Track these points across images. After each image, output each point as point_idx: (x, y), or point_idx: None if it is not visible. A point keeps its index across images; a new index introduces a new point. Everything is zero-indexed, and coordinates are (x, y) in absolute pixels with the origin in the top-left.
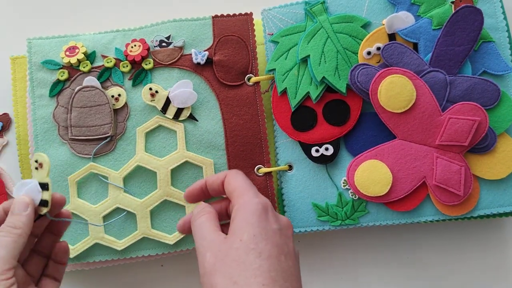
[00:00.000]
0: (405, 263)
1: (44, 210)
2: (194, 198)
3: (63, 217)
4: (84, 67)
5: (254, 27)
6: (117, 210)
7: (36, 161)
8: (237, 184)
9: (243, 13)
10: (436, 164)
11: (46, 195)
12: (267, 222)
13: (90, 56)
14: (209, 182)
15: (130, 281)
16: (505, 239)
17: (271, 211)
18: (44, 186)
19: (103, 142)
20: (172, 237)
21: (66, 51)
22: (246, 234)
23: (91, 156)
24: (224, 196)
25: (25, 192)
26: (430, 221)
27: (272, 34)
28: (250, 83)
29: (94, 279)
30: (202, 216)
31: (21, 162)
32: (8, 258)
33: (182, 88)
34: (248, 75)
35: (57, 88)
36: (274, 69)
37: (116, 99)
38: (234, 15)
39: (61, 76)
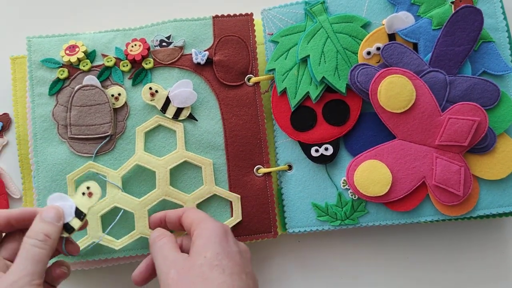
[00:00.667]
0: (404, 263)
1: (65, 235)
2: (152, 226)
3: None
4: (84, 66)
5: (254, 27)
6: (115, 209)
7: (88, 188)
8: (196, 215)
9: (243, 13)
10: (436, 164)
11: (75, 223)
12: (228, 243)
13: (90, 55)
14: (168, 215)
15: (130, 281)
16: (505, 239)
17: (231, 236)
18: (79, 214)
19: (104, 142)
20: None
21: (66, 49)
22: (210, 252)
23: (90, 155)
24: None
25: (60, 206)
26: (430, 221)
27: (272, 34)
28: (250, 83)
29: (93, 279)
30: (163, 239)
31: (21, 162)
32: (41, 273)
33: (182, 87)
34: (248, 75)
35: (56, 87)
36: (273, 69)
37: (116, 98)
38: (235, 15)
39: (61, 75)
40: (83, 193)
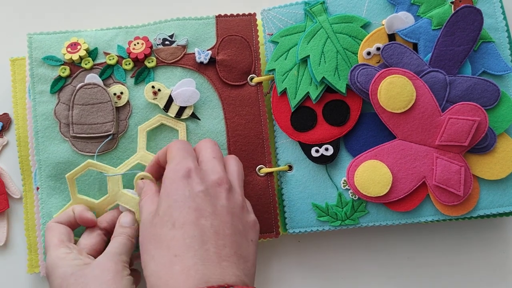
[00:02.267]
0: (405, 263)
1: None
2: (152, 170)
3: None
4: (86, 64)
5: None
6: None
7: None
8: (170, 153)
9: (246, 13)
10: (436, 164)
11: None
12: (187, 187)
13: (92, 53)
14: (159, 153)
15: None
16: (505, 239)
17: (195, 174)
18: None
19: (106, 140)
20: None
21: (67, 47)
22: (162, 207)
23: (93, 154)
24: None
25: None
26: (430, 221)
27: (272, 34)
28: (253, 83)
29: None
30: (147, 195)
31: (21, 163)
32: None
33: (184, 86)
34: (250, 75)
35: (58, 85)
36: (273, 69)
37: (118, 97)
38: (238, 15)
39: (63, 73)
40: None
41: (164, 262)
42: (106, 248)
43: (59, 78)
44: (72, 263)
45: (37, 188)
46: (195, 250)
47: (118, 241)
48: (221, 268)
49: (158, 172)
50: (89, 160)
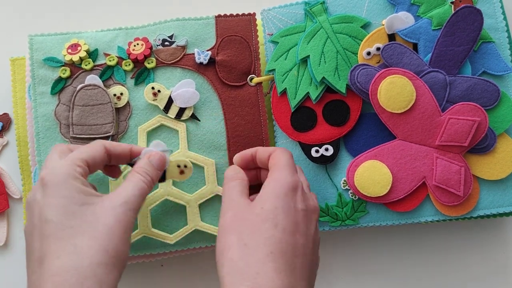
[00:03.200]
0: (405, 263)
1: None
2: (243, 163)
3: None
4: (86, 65)
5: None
6: None
7: (185, 166)
8: (280, 161)
9: (245, 13)
10: (436, 165)
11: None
12: (292, 199)
13: (92, 54)
14: (259, 152)
15: (130, 282)
16: (505, 239)
17: (301, 192)
18: (163, 178)
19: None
20: (172, 237)
21: (68, 48)
22: (268, 204)
23: None
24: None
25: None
26: (430, 221)
27: (272, 34)
28: (252, 84)
29: None
30: (236, 180)
31: (21, 163)
32: (140, 205)
33: (184, 87)
34: (250, 76)
35: (58, 86)
36: (273, 70)
37: (118, 98)
38: (237, 15)
39: (63, 74)
40: (178, 166)
41: (258, 254)
42: (120, 190)
43: (60, 79)
44: (83, 188)
45: None
46: (288, 258)
47: (139, 186)
48: (300, 286)
49: (247, 165)
50: None
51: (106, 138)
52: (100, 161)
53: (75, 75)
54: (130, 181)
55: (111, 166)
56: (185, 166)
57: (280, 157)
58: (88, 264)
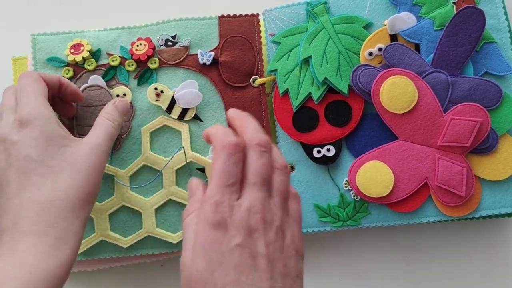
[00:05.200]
0: (406, 263)
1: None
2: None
3: None
4: (89, 65)
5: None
6: (123, 208)
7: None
8: (213, 168)
9: (249, 13)
10: (438, 165)
11: None
12: (223, 239)
13: (95, 54)
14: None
15: (131, 282)
16: (507, 239)
17: (230, 223)
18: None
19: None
20: (175, 236)
21: (70, 48)
22: (200, 262)
23: None
24: None
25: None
26: (432, 222)
27: (274, 34)
28: (255, 85)
29: (94, 280)
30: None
31: None
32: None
33: (187, 88)
34: (253, 77)
35: None
36: (275, 70)
37: None
38: (241, 15)
39: (66, 74)
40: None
41: None
42: (92, 135)
43: None
44: (61, 131)
45: None
46: None
47: (108, 131)
48: None
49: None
50: None
51: None
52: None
53: (78, 75)
54: (101, 126)
55: (64, 104)
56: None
57: (214, 159)
58: (66, 197)
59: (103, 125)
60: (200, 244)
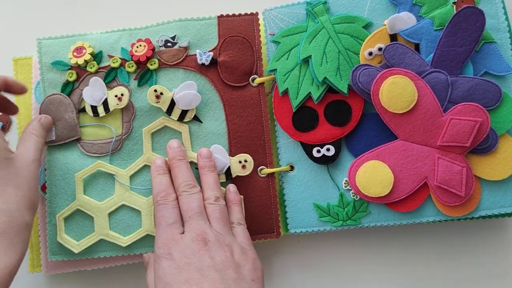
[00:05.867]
0: (406, 263)
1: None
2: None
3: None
4: (91, 68)
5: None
6: (122, 208)
7: (245, 161)
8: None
9: (248, 13)
10: (438, 165)
11: (221, 178)
12: (172, 264)
13: (97, 56)
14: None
15: (131, 283)
16: (507, 239)
17: (174, 251)
18: (228, 174)
19: (113, 141)
20: None
21: (73, 51)
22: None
23: (98, 155)
24: None
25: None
26: (432, 221)
27: (273, 34)
28: (255, 84)
29: (94, 280)
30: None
31: None
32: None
33: (186, 90)
34: (252, 76)
35: (67, 89)
36: (275, 69)
37: (119, 99)
38: (240, 15)
39: (70, 77)
40: (240, 161)
41: None
42: (25, 149)
43: (67, 82)
44: (5, 144)
45: (41, 188)
46: None
47: (38, 145)
48: None
49: None
50: (99, 161)
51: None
52: None
53: (82, 78)
54: (30, 142)
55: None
56: (246, 161)
57: (154, 213)
58: (15, 207)
59: (33, 141)
60: (157, 278)
